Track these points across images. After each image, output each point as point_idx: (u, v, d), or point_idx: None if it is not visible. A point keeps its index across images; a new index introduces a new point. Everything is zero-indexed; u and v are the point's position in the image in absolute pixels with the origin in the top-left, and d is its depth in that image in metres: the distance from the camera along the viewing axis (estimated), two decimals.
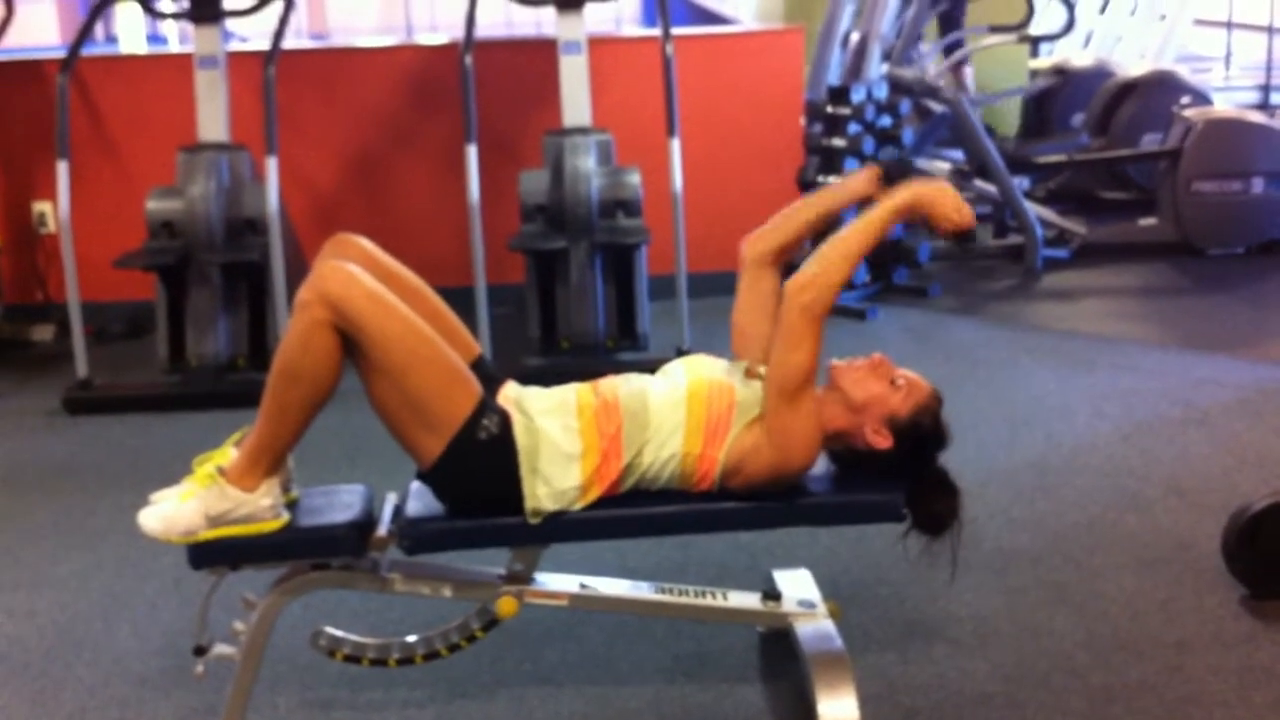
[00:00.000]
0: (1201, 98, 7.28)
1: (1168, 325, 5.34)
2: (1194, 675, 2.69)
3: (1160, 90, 7.28)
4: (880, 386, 2.42)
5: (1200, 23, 10.28)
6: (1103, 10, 9.44)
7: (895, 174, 2.48)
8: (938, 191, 2.38)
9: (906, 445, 2.42)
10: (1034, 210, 6.40)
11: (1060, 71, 8.09)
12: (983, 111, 7.79)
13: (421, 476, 2.37)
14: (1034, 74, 8.41)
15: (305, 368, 2.22)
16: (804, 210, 2.62)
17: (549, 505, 2.33)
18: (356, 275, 2.23)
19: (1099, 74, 7.85)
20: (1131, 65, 8.15)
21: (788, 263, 2.63)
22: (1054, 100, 7.99)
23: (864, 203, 2.52)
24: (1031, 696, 2.63)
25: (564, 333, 4.93)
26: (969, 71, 8.05)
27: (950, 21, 7.64)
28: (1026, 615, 2.96)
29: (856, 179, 2.58)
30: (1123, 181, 7.44)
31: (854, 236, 2.35)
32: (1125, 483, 3.68)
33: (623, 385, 2.44)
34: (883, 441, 2.41)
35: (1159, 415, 4.21)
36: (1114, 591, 3.06)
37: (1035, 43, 8.26)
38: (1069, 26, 7.17)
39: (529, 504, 2.32)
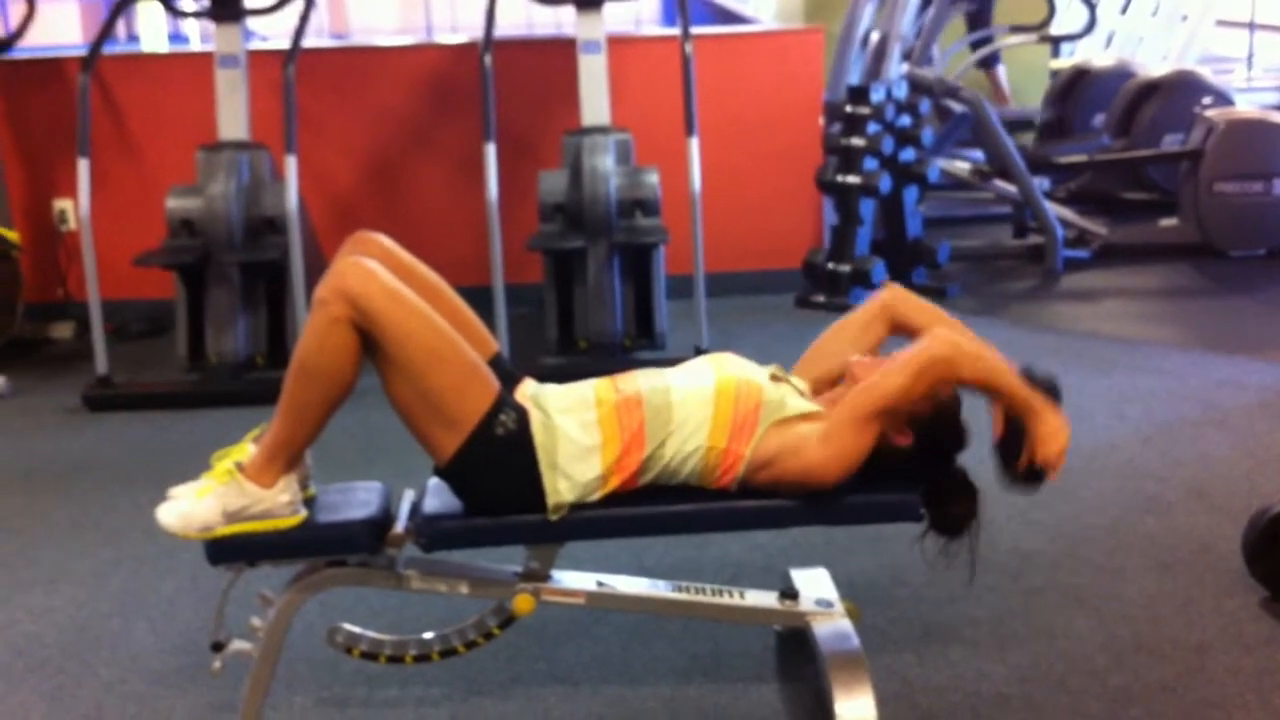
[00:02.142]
0: (1223, 99, 7.24)
1: (1189, 327, 5.32)
2: (1214, 677, 2.67)
3: (1182, 91, 7.24)
4: None
5: (1222, 23, 10.24)
6: (1124, 11, 9.40)
7: (1043, 384, 2.43)
8: (1060, 430, 2.34)
9: (926, 444, 2.41)
10: (1054, 211, 6.38)
11: (1081, 72, 8.06)
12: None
13: (439, 473, 2.37)
14: (1055, 74, 8.39)
15: (323, 364, 2.23)
16: (950, 327, 2.52)
17: (569, 498, 2.33)
18: (375, 272, 2.23)
19: (1120, 74, 7.81)
20: (1153, 66, 8.12)
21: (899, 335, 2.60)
22: (1075, 101, 7.97)
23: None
24: (1049, 698, 2.62)
25: (582, 332, 4.93)
26: (1003, 71, 8.02)
27: (977, 19, 7.62)
28: (1044, 617, 2.95)
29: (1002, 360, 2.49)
30: (1144, 182, 7.41)
31: (1002, 371, 2.32)
32: (1145, 484, 3.67)
33: (644, 380, 2.43)
34: (903, 440, 2.40)
35: (1179, 417, 4.19)
36: (1133, 594, 3.04)
37: (1056, 43, 8.24)
38: (1090, 27, 7.15)
39: (550, 499, 2.31)
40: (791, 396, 2.44)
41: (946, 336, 2.33)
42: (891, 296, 2.61)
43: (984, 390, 2.34)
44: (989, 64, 7.92)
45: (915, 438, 2.40)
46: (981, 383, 2.32)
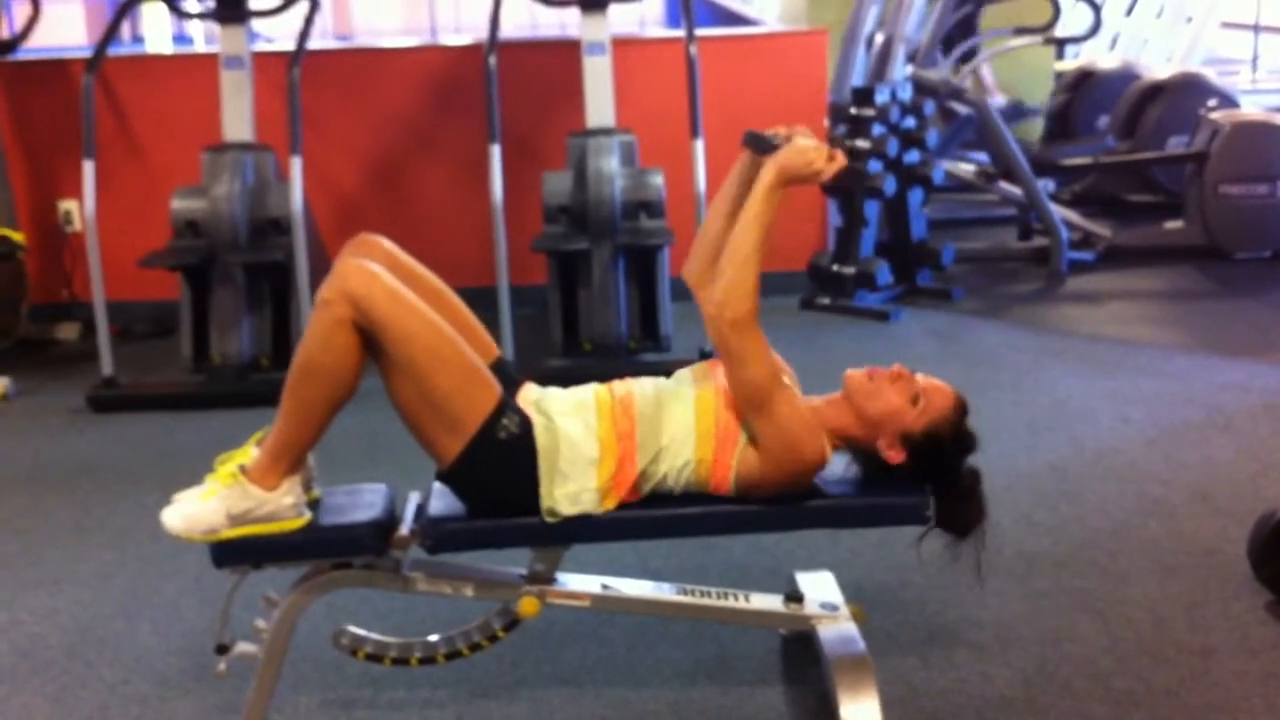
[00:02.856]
0: (1228, 100, 7.24)
1: (1193, 329, 5.31)
2: (1219, 681, 2.67)
3: (1187, 93, 7.24)
4: (897, 401, 2.38)
5: (1227, 25, 10.24)
6: (1129, 13, 9.41)
7: (757, 147, 2.43)
8: (796, 154, 2.33)
9: (922, 458, 2.40)
10: (1059, 213, 6.37)
11: (1086, 74, 8.06)
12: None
13: (441, 477, 2.37)
14: (1059, 75, 8.39)
15: (326, 365, 2.23)
16: (716, 216, 2.57)
17: (565, 507, 2.32)
18: (377, 273, 2.23)
19: (1125, 76, 7.81)
20: (1158, 68, 8.11)
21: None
22: (1080, 103, 7.96)
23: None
24: (1053, 702, 2.62)
25: (586, 334, 4.92)
26: (987, 72, 8.01)
27: (963, 27, 7.60)
28: (1049, 620, 2.94)
29: (738, 166, 2.52)
30: (1149, 184, 7.41)
31: (745, 237, 2.31)
32: (1149, 488, 3.66)
33: (637, 388, 2.43)
34: (896, 456, 2.39)
35: (1184, 420, 4.19)
36: (1137, 597, 3.04)
37: (1061, 45, 8.24)
38: (1095, 29, 7.14)
39: (544, 503, 2.31)
40: None
41: (717, 305, 2.30)
42: (685, 276, 2.61)
43: (769, 222, 2.33)
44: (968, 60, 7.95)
45: (910, 453, 2.39)
46: (759, 248, 2.30)
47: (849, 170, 2.33)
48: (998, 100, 7.96)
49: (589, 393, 2.43)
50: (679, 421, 2.36)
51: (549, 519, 2.33)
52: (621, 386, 2.44)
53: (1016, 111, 7.75)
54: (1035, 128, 8.46)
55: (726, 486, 2.37)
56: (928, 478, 2.43)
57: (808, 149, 2.34)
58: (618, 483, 2.34)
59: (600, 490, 2.33)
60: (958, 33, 7.63)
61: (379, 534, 2.37)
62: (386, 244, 2.46)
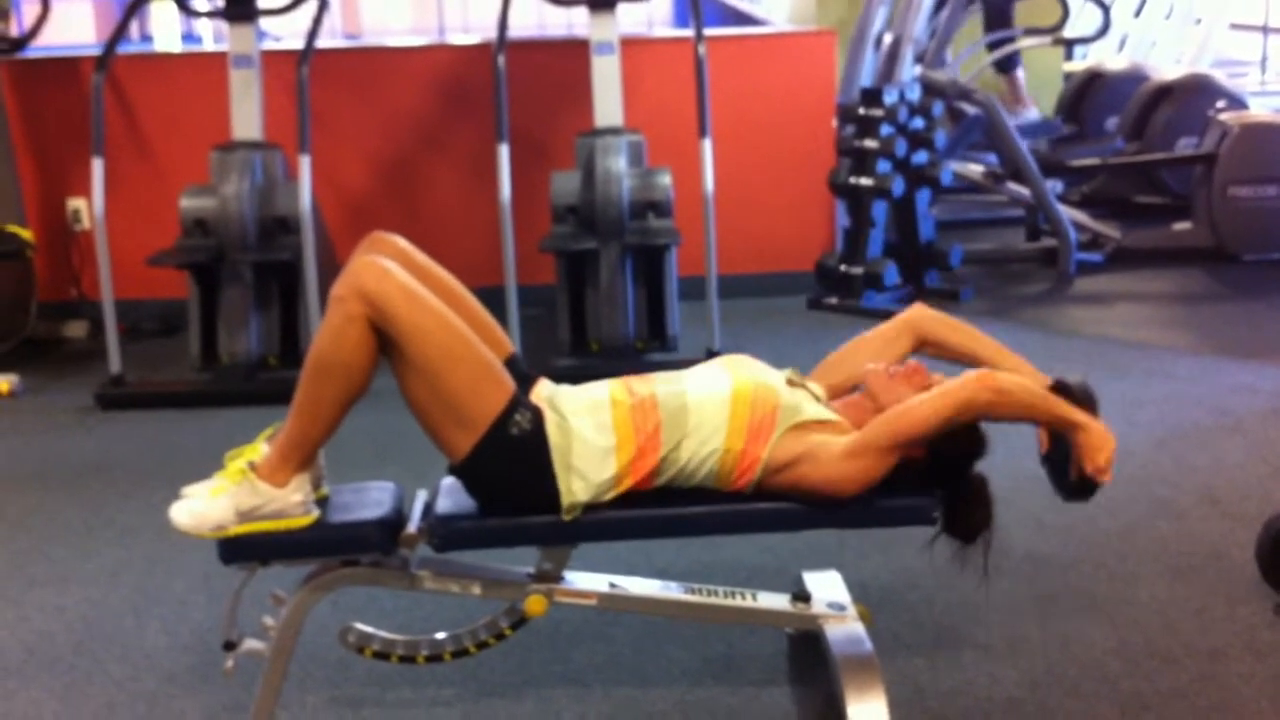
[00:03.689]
0: (1237, 102, 7.22)
1: (1202, 331, 5.30)
2: (1227, 684, 2.67)
3: (1196, 94, 7.22)
4: (914, 395, 2.39)
5: (1236, 27, 10.21)
6: (1138, 14, 9.38)
7: (1079, 394, 2.42)
8: (1105, 439, 2.31)
9: (939, 455, 2.40)
10: (1067, 214, 6.36)
11: (1094, 75, 8.04)
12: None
13: (453, 471, 2.37)
14: (1068, 77, 8.37)
15: (339, 362, 2.23)
16: (982, 345, 2.59)
17: (583, 498, 2.32)
18: (391, 270, 2.23)
19: (1134, 78, 7.79)
20: (1167, 69, 8.09)
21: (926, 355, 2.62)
22: (1088, 104, 7.94)
23: None
24: (1061, 704, 2.62)
25: (594, 334, 4.93)
26: (1021, 75, 7.99)
27: (996, 19, 7.57)
28: (1057, 622, 2.94)
29: (1035, 374, 2.50)
30: (1157, 186, 7.39)
31: (1038, 401, 2.32)
32: (1158, 490, 3.66)
33: (659, 384, 2.42)
34: (915, 451, 2.39)
35: (1193, 422, 4.18)
36: (1146, 599, 3.04)
37: (1070, 46, 8.22)
38: (1104, 30, 7.13)
39: (565, 499, 2.31)
40: (807, 402, 2.43)
41: (988, 382, 2.31)
42: (918, 314, 2.61)
43: (1022, 421, 2.34)
44: (1007, 67, 7.88)
45: (927, 449, 2.39)
46: (1018, 419, 2.33)
47: (1094, 488, 2.35)
48: (1033, 113, 7.95)
49: (604, 391, 2.41)
50: (709, 413, 2.35)
51: (568, 515, 2.32)
52: (642, 386, 2.42)
53: (1046, 128, 7.70)
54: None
55: (749, 479, 2.36)
56: (936, 478, 2.43)
57: (1112, 447, 2.30)
58: (635, 469, 2.33)
59: (617, 476, 2.32)
60: (991, 25, 7.61)
61: (387, 532, 2.37)
62: (401, 242, 2.46)
